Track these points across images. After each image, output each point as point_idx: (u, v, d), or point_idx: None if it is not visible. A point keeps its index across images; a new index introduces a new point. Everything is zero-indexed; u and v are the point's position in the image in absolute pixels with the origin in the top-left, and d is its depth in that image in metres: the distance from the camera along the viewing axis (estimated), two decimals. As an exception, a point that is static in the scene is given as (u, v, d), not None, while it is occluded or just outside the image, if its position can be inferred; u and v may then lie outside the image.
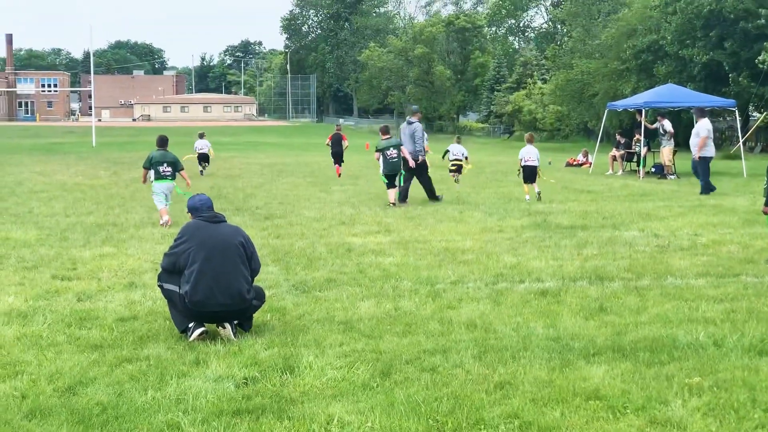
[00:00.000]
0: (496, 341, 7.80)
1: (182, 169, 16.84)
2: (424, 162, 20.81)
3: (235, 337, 7.97)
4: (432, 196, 20.63)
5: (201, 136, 32.60)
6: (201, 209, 8.45)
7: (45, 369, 7.02)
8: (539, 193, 20.60)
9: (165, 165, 16.36)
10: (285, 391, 6.47)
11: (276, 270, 11.38)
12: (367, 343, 7.80)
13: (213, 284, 7.89)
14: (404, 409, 6.03)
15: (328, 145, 32.43)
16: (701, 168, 22.78)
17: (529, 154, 20.90)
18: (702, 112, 24.27)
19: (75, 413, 5.99)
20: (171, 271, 8.16)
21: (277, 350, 7.51)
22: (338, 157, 31.07)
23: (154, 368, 7.01)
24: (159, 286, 8.41)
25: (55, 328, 8.35)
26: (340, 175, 29.45)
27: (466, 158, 27.04)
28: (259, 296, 8.39)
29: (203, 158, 31.64)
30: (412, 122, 20.96)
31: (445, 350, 7.50)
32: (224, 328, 8.00)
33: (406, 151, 19.93)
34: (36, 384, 6.64)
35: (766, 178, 12.40)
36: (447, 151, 28.22)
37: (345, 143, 31.51)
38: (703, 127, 23.13)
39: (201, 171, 30.90)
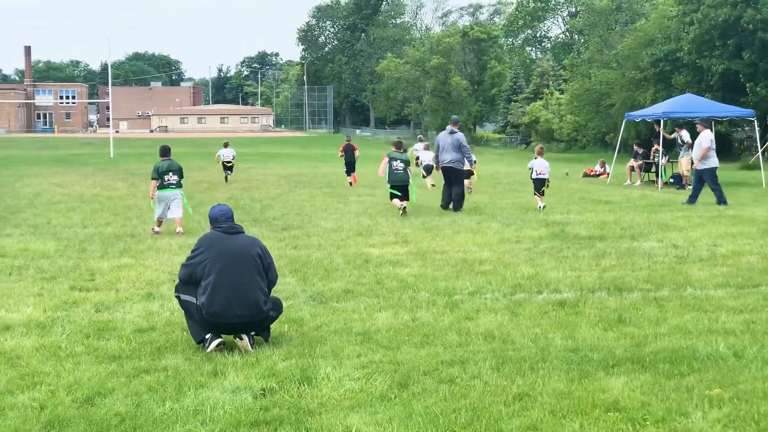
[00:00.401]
0: (514, 352, 7.77)
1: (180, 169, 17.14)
2: (463, 171, 21.26)
3: (252, 348, 7.96)
4: (456, 205, 20.77)
5: (226, 145, 34.23)
6: (219, 220, 8.41)
7: (63, 380, 7.03)
8: (543, 207, 20.62)
9: (171, 174, 16.62)
10: (303, 403, 6.46)
11: (293, 281, 11.38)
12: (385, 354, 7.78)
13: (230, 295, 7.88)
14: (422, 420, 6.00)
15: (341, 156, 33.36)
16: (710, 179, 22.66)
17: (542, 167, 21.06)
18: (706, 123, 24.10)
19: (93, 424, 5.99)
20: (188, 282, 8.16)
21: (295, 361, 7.50)
22: (351, 166, 31.90)
23: (172, 379, 7.01)
24: (176, 297, 8.44)
25: (73, 339, 8.37)
26: (354, 182, 30.38)
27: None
28: (277, 307, 8.39)
29: (228, 166, 33.14)
30: (455, 132, 21.25)
31: (463, 361, 7.48)
32: (241, 339, 7.99)
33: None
34: (54, 395, 6.65)
35: None
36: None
37: (357, 153, 32.48)
38: (706, 138, 22.95)
39: (226, 177, 32.55)
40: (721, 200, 22.06)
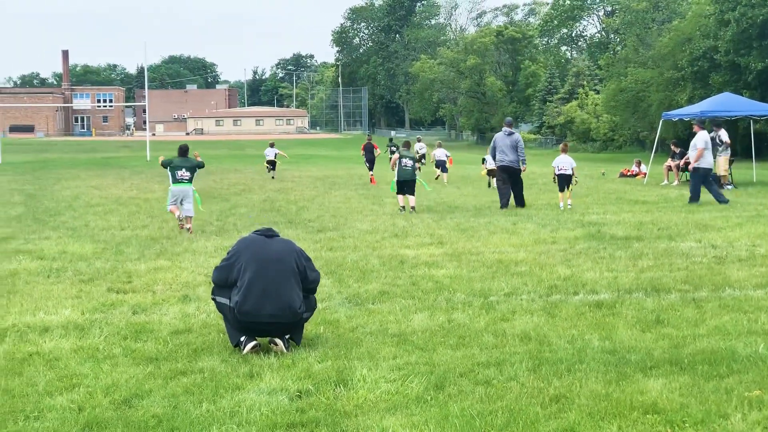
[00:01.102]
0: (550, 354, 7.72)
1: (202, 166, 18.41)
2: (519, 169, 21.96)
3: (288, 350, 7.97)
4: (520, 202, 21.87)
5: (271, 145, 38.12)
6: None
7: (101, 381, 7.07)
8: (570, 205, 20.99)
9: (183, 170, 17.45)
10: (339, 404, 6.45)
11: (329, 283, 11.38)
12: (421, 355, 7.76)
13: (262, 295, 7.89)
14: (458, 422, 5.98)
15: (362, 154, 37.40)
16: (693, 179, 22.95)
17: (564, 163, 21.62)
18: (702, 124, 24.24)
19: (131, 426, 6.02)
20: (222, 285, 8.19)
21: (331, 363, 7.50)
22: (371, 163, 35.61)
23: (209, 381, 7.03)
24: (212, 299, 8.46)
25: (111, 341, 8.42)
26: (373, 183, 32.46)
27: (447, 156, 34.53)
28: (311, 307, 8.39)
29: (272, 164, 36.75)
30: (513, 133, 22.20)
31: (500, 363, 7.44)
32: (276, 345, 7.97)
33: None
34: (92, 396, 6.69)
35: None
36: (484, 159, 31.92)
37: (377, 151, 36.59)
38: (700, 139, 23.02)
39: (272, 176, 35.78)
40: (693, 200, 22.31)
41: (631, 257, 13.19)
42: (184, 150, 17.87)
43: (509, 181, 21.85)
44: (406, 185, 21.03)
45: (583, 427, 5.87)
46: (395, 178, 21.28)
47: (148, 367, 7.49)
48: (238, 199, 24.90)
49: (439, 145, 37.59)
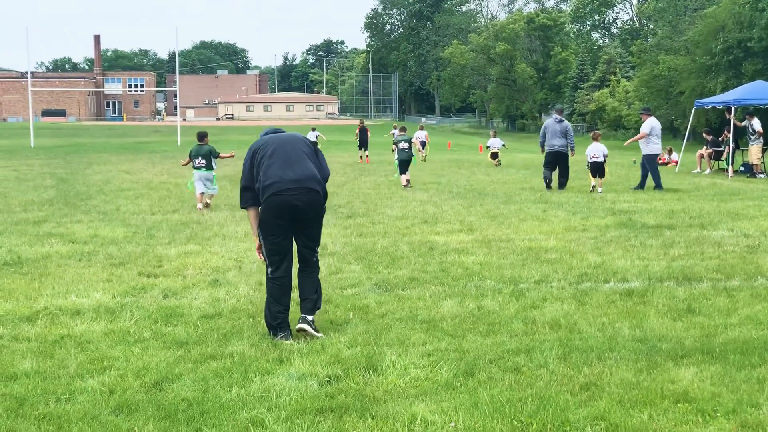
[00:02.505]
0: (581, 342, 7.69)
1: (217, 156, 19.34)
2: (567, 154, 23.59)
3: (317, 332, 8.00)
4: (562, 185, 23.34)
5: (313, 129, 41.89)
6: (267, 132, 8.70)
7: (132, 364, 7.10)
8: (601, 191, 21.80)
9: (200, 158, 18.88)
10: (368, 390, 6.45)
11: (359, 268, 11.38)
12: (450, 342, 7.75)
13: (283, 165, 8.08)
14: (488, 409, 5.96)
15: (356, 138, 42.08)
16: (648, 164, 23.32)
17: (596, 150, 22.46)
18: (648, 112, 24.69)
19: (161, 409, 6.05)
20: (250, 186, 8.23)
21: (360, 349, 7.50)
22: (365, 145, 39.95)
23: (238, 365, 7.05)
24: (243, 208, 8.42)
25: (141, 325, 8.46)
26: (366, 162, 37.34)
27: (504, 146, 37.33)
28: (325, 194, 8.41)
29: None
30: (562, 120, 23.72)
31: (529, 350, 7.41)
32: (304, 330, 7.98)
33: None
34: (123, 379, 6.72)
35: None
36: (488, 147, 37.20)
37: (368, 134, 40.88)
38: (646, 125, 23.51)
39: None
40: (660, 186, 22.73)
41: (663, 246, 13.10)
42: (200, 136, 19.23)
43: (555, 166, 23.37)
44: (405, 164, 24.64)
45: (613, 415, 5.83)
46: (396, 159, 25.38)
47: (178, 350, 7.52)
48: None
49: (421, 128, 45.76)
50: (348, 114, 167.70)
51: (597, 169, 22.27)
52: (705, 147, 31.69)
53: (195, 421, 5.84)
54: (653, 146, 23.38)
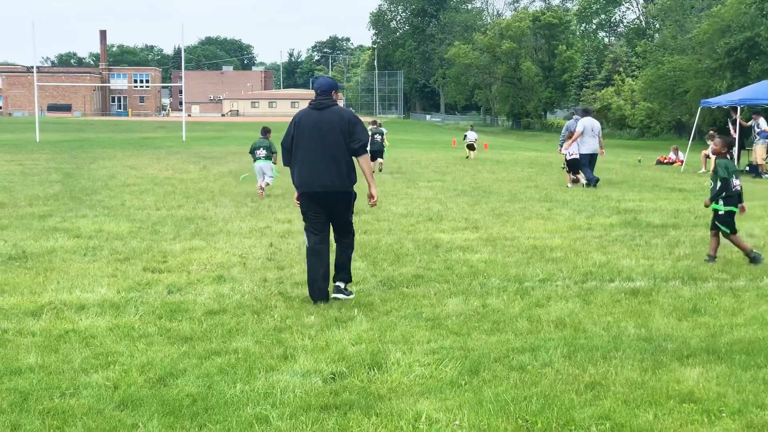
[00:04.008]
0: (585, 341, 7.68)
1: (275, 152, 20.35)
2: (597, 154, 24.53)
3: (347, 294, 9.32)
4: (596, 181, 23.87)
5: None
6: (316, 92, 9.41)
7: (136, 360, 7.10)
8: (581, 183, 23.01)
9: (260, 149, 20.70)
10: (372, 387, 6.44)
11: (363, 266, 11.37)
12: (455, 340, 7.74)
13: (311, 171, 9.19)
14: (493, 407, 5.96)
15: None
16: (581, 162, 23.70)
17: (573, 148, 23.50)
18: (586, 112, 24.99)
19: (165, 404, 6.04)
20: (289, 149, 9.45)
21: (365, 346, 7.50)
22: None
23: (243, 362, 7.05)
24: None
25: (146, 320, 8.46)
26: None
27: (476, 141, 39.28)
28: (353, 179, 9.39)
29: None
30: (595, 121, 24.62)
31: (534, 349, 7.41)
32: (338, 299, 9.18)
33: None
34: (128, 374, 6.72)
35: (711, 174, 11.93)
36: (465, 136, 40.23)
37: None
38: (579, 125, 23.81)
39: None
40: (592, 183, 23.15)
41: (668, 245, 13.09)
42: (263, 131, 21.40)
43: (589, 161, 24.14)
44: (377, 153, 28.88)
45: (618, 415, 5.82)
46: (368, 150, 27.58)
47: (182, 346, 7.52)
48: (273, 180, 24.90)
49: (471, 128, 44.33)
50: (353, 111, 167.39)
51: (574, 165, 23.45)
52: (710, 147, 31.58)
53: (199, 416, 5.84)
54: (585, 146, 23.74)
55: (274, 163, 20.71)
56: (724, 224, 11.64)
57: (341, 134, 9.14)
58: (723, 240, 11.92)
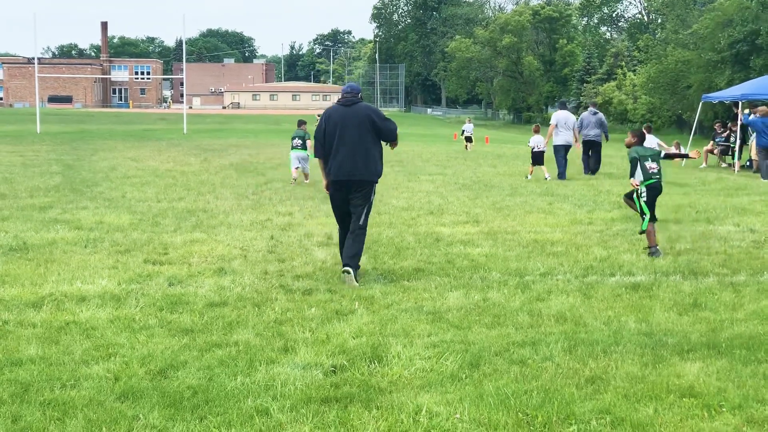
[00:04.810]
0: (586, 335, 7.68)
1: (309, 137, 21.88)
2: (601, 142, 26.59)
3: (357, 282, 9.80)
4: (596, 170, 25.97)
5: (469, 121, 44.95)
6: (343, 92, 10.47)
7: (137, 352, 7.11)
8: (548, 177, 23.49)
9: (297, 139, 22.44)
10: (373, 380, 6.45)
11: (364, 259, 11.34)
12: (456, 333, 7.75)
13: (342, 163, 10.14)
14: (493, 401, 5.96)
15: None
16: (557, 153, 24.58)
17: (537, 142, 24.39)
18: (562, 105, 26.30)
19: (166, 396, 6.05)
20: (323, 153, 10.35)
21: (366, 339, 7.50)
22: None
23: (244, 354, 7.05)
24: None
25: (147, 312, 8.47)
26: None
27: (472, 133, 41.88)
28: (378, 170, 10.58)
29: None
30: (597, 112, 26.76)
31: (535, 343, 7.41)
32: (348, 273, 9.84)
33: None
34: (128, 366, 6.73)
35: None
36: (463, 130, 42.94)
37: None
38: (553, 118, 25.26)
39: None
40: (562, 176, 23.87)
41: (669, 240, 13.07)
42: (300, 123, 23.28)
43: (589, 151, 26.23)
44: None
45: (618, 409, 5.83)
46: None
47: (183, 338, 7.52)
48: (273, 173, 24.92)
49: (468, 121, 45.97)
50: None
51: (538, 158, 24.15)
52: (713, 141, 31.54)
53: (200, 409, 5.85)
54: (558, 137, 24.73)
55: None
56: (644, 204, 12.25)
57: (368, 128, 10.17)
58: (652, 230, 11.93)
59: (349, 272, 9.87)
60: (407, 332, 7.77)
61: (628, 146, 12.82)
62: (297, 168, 22.30)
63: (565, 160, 24.37)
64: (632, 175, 12.35)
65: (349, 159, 10.10)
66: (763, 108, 27.41)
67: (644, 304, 8.93)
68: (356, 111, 10.21)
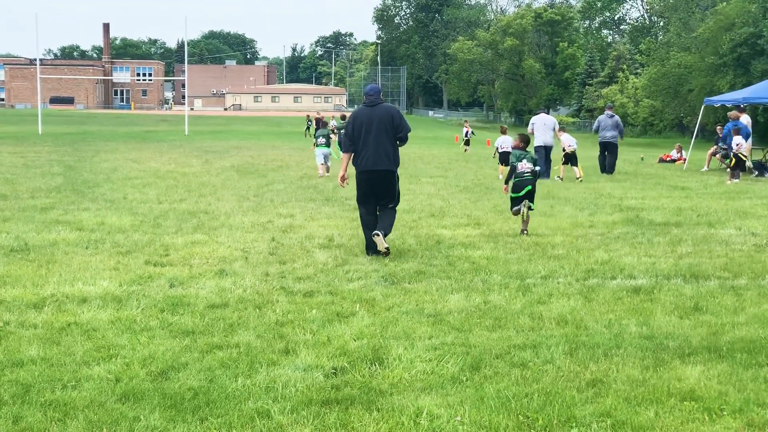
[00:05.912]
0: (587, 338, 7.68)
1: (330, 133, 26.37)
2: (617, 144, 28.02)
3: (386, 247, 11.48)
4: (611, 169, 27.37)
5: (342, 117, 45.61)
6: (367, 94, 12.19)
7: (138, 353, 7.11)
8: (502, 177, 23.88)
9: (321, 138, 25.51)
10: (374, 383, 6.44)
11: (365, 261, 11.38)
12: (457, 336, 7.74)
13: (368, 155, 11.80)
14: (494, 404, 5.96)
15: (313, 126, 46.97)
16: (537, 154, 24.83)
17: (504, 142, 25.68)
18: (545, 110, 28.06)
19: (167, 397, 6.05)
20: (351, 148, 12.03)
21: (366, 341, 7.50)
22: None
23: (244, 356, 7.05)
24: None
25: (148, 313, 8.46)
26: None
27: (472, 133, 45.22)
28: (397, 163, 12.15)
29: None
30: (613, 116, 28.17)
31: (536, 345, 7.40)
32: (378, 235, 11.51)
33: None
34: (129, 367, 6.72)
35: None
36: (465, 132, 44.90)
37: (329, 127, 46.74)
38: (531, 123, 26.56)
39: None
40: (545, 175, 24.73)
41: (670, 243, 13.08)
42: (323, 123, 27.09)
43: (606, 152, 27.70)
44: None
45: (619, 412, 5.82)
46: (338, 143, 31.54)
47: (184, 340, 7.52)
48: (275, 175, 24.94)
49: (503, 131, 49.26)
50: (356, 106, 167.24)
51: (506, 158, 24.56)
52: (716, 144, 31.51)
53: (201, 410, 5.84)
54: (537, 139, 25.59)
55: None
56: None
57: (390, 126, 11.83)
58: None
59: (379, 234, 11.51)
60: (408, 334, 7.76)
61: (514, 149, 14.52)
62: (322, 164, 24.94)
63: (546, 160, 25.39)
64: (508, 179, 14.31)
65: (373, 153, 11.77)
66: (733, 112, 28.01)
67: (645, 308, 8.92)
68: (379, 112, 11.90)
